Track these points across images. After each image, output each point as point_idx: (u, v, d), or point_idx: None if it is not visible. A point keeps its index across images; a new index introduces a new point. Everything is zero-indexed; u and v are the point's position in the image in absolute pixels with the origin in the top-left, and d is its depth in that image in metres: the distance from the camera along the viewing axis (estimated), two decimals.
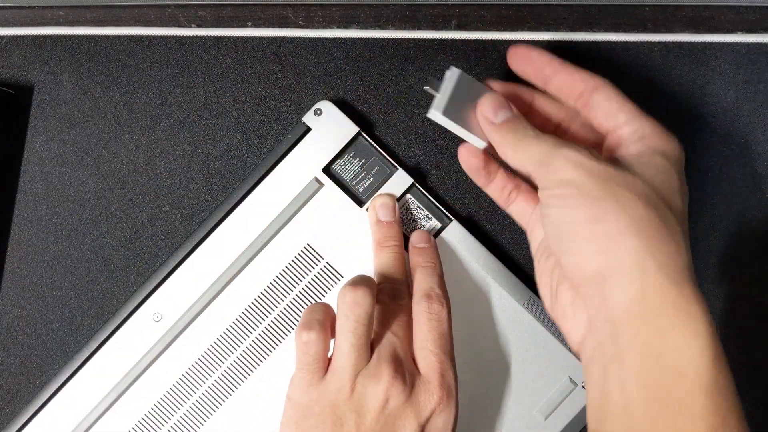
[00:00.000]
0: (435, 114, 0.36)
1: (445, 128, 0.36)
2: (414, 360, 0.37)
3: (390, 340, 0.36)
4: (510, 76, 0.44)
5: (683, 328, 0.29)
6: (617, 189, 0.31)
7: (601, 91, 0.35)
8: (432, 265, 0.40)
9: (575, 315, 0.33)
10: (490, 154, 0.37)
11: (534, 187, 0.38)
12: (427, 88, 0.37)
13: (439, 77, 0.37)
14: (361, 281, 0.37)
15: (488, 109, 0.35)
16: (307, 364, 0.36)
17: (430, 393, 0.35)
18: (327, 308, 0.37)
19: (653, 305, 0.30)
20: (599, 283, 0.31)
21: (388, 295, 0.38)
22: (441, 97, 0.36)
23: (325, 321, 0.36)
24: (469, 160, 0.38)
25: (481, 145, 0.36)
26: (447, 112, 0.36)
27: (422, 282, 0.39)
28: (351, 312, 0.35)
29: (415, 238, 0.41)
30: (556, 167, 0.32)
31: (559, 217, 0.32)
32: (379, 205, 0.41)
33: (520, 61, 0.37)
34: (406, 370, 0.35)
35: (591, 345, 0.32)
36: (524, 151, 0.34)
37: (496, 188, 0.38)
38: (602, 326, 0.31)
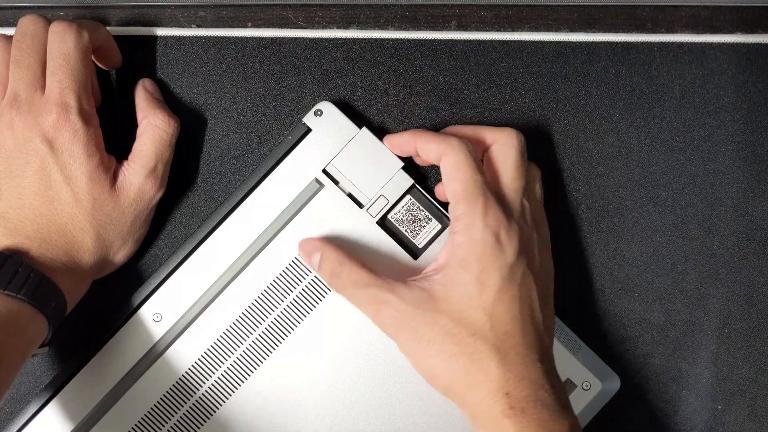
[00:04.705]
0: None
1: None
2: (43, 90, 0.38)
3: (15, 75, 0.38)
4: (507, 78, 0.44)
5: None
6: (422, 328, 0.36)
7: (442, 160, 0.38)
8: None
9: None
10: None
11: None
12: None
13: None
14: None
15: (304, 256, 0.41)
16: None
17: (47, 110, 0.37)
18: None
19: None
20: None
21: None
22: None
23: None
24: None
25: None
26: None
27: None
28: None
29: None
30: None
31: None
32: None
33: (392, 148, 0.42)
34: (24, 96, 0.38)
35: None
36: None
37: None
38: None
